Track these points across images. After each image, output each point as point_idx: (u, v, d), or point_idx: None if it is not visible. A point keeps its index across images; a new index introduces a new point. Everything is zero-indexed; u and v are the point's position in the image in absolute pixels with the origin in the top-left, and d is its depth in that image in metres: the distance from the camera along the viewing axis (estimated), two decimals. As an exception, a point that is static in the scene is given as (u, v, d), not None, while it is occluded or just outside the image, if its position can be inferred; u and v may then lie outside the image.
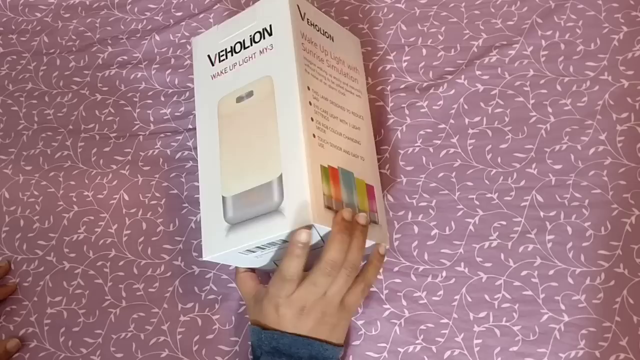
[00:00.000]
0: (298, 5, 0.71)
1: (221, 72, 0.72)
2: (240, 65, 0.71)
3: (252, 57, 0.70)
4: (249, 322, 0.69)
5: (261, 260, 0.69)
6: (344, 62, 0.75)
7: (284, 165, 0.65)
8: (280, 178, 0.64)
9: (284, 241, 0.64)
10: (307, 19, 0.71)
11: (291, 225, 0.62)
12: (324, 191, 0.64)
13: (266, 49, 0.70)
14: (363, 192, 0.70)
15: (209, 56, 0.73)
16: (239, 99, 0.69)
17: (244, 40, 0.72)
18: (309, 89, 0.68)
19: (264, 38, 0.70)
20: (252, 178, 0.66)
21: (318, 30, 0.72)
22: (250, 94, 0.69)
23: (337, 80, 0.72)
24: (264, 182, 0.65)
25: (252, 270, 0.72)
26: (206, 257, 0.67)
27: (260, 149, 0.67)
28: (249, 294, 0.69)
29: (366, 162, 0.72)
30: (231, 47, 0.72)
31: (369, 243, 0.66)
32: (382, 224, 0.71)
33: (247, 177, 0.66)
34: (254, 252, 0.66)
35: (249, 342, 0.71)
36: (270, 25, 0.70)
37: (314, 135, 0.66)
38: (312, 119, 0.66)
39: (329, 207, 0.64)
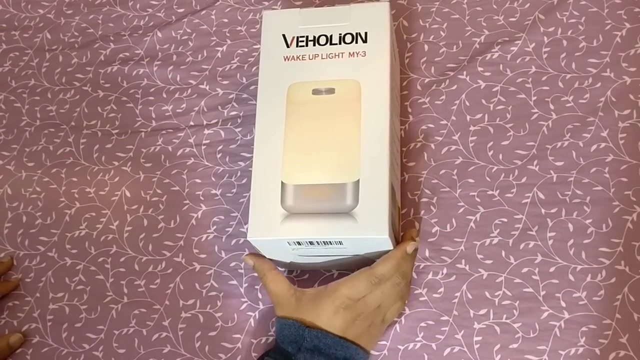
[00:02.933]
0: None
1: (297, 57, 0.72)
2: (323, 59, 0.71)
3: (339, 56, 0.71)
4: (278, 317, 0.68)
5: (292, 254, 0.70)
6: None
7: (364, 172, 0.66)
8: (357, 183, 0.66)
9: (340, 243, 0.66)
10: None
11: (364, 232, 0.64)
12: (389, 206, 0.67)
13: (357, 54, 0.70)
14: (396, 205, 0.71)
15: (284, 36, 0.73)
16: (316, 92, 0.70)
17: (331, 36, 0.72)
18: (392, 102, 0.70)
19: (357, 42, 0.71)
20: (323, 174, 0.67)
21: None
22: (331, 90, 0.69)
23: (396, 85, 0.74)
24: (337, 182, 0.66)
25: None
26: (252, 237, 0.67)
27: (336, 149, 0.67)
28: (287, 292, 0.68)
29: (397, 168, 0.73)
30: (314, 37, 0.72)
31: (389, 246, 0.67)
32: None
33: (317, 172, 0.67)
34: (301, 245, 0.67)
35: (273, 334, 0.71)
36: (366, 33, 0.71)
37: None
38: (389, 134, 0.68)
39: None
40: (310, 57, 0.71)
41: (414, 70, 0.82)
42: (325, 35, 0.72)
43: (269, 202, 0.67)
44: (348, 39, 0.71)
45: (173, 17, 0.92)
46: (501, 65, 0.79)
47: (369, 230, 0.64)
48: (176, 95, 0.87)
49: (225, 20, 0.90)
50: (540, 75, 0.78)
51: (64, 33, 0.95)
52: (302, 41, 0.72)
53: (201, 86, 0.87)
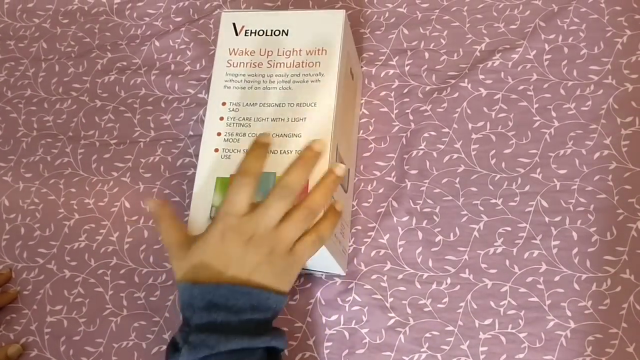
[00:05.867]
0: (234, 23, 0.73)
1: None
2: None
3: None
4: (176, 280, 0.61)
5: None
6: (300, 50, 0.71)
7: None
8: None
9: None
10: (246, 31, 0.73)
11: None
12: (213, 203, 0.66)
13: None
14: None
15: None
16: None
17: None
18: (224, 104, 0.70)
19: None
20: None
21: (263, 34, 0.72)
22: None
23: (281, 76, 0.70)
24: None
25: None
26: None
27: None
28: (177, 242, 0.61)
29: None
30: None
31: None
32: None
33: None
34: None
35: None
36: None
37: (216, 150, 0.68)
38: (218, 134, 0.69)
39: None
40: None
41: (415, 78, 0.81)
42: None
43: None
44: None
45: (170, 25, 0.92)
46: (502, 73, 0.79)
47: None
48: (174, 105, 0.86)
49: (224, 28, 0.90)
50: (541, 82, 0.78)
51: (60, 42, 0.94)
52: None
53: (200, 95, 0.86)
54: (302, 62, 0.71)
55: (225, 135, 0.69)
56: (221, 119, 0.70)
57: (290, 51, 0.71)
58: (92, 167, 0.85)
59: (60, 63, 0.93)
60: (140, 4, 0.94)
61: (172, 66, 0.89)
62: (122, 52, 0.92)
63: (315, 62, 0.70)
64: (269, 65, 0.71)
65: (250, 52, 0.72)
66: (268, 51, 0.72)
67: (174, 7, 0.93)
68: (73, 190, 0.84)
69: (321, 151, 0.61)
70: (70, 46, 0.94)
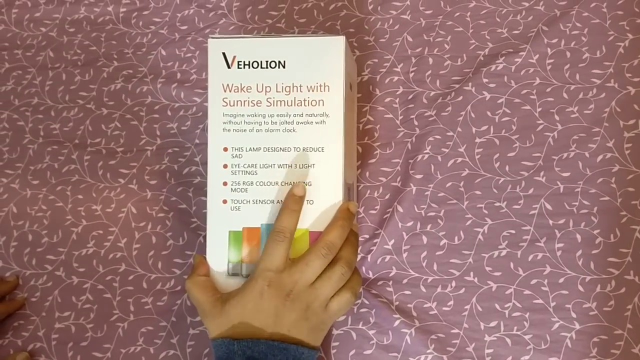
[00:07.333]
0: (224, 53, 0.69)
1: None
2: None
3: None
4: (211, 339, 0.64)
5: None
6: (300, 86, 0.68)
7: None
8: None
9: None
10: (238, 63, 0.69)
11: None
12: (229, 258, 0.67)
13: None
14: (303, 243, 0.66)
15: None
16: None
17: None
18: (226, 150, 0.68)
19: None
20: None
21: (257, 66, 0.68)
22: None
23: (283, 116, 0.68)
24: None
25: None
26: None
27: None
28: (211, 297, 0.65)
29: (317, 205, 0.67)
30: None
31: None
32: None
33: None
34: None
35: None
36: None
37: (224, 201, 0.68)
38: (224, 184, 0.68)
39: (235, 274, 0.67)
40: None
41: (419, 84, 0.82)
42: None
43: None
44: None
45: (176, 34, 0.93)
46: (506, 77, 0.80)
47: None
48: (181, 113, 0.87)
49: (229, 36, 0.91)
50: (544, 86, 0.78)
51: (66, 51, 0.95)
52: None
53: (205, 104, 0.87)
54: (304, 100, 0.68)
55: (232, 185, 0.67)
56: (225, 166, 0.68)
57: (289, 87, 0.68)
58: (98, 174, 0.85)
59: (67, 71, 0.93)
60: (146, 12, 0.95)
61: (179, 74, 0.90)
62: (129, 60, 0.92)
63: (319, 101, 0.67)
64: (269, 104, 0.68)
65: (247, 89, 0.68)
66: (266, 87, 0.68)
67: (179, 15, 0.94)
68: (80, 196, 0.84)
69: (355, 211, 0.67)
70: (77, 55, 0.95)
